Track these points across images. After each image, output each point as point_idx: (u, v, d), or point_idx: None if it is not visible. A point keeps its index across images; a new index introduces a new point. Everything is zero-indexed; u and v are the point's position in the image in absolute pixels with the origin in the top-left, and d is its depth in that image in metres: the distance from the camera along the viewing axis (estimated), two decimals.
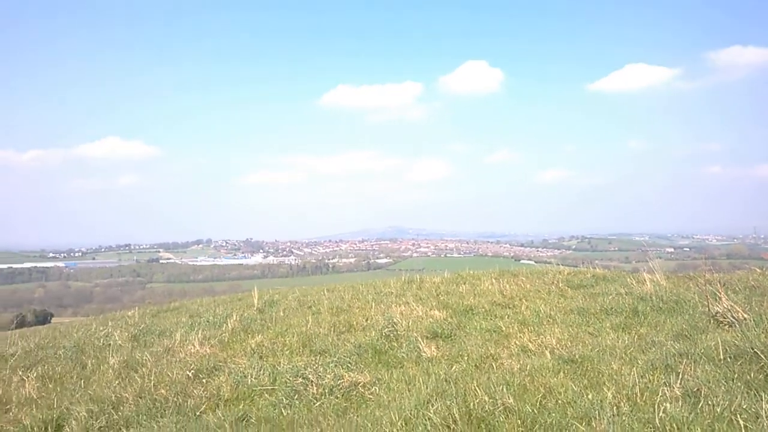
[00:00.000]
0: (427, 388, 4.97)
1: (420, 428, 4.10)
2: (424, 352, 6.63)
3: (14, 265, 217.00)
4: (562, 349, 5.98)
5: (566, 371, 5.02)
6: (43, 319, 74.09)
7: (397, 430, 4.14)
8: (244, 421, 5.16)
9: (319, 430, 4.63)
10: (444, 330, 7.45)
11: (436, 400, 4.52)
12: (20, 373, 6.79)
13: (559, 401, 4.25)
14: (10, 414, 5.53)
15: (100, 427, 4.89)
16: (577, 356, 5.43)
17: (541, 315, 7.68)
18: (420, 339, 6.95)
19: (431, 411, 4.24)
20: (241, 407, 5.50)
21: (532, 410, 4.10)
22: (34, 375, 6.61)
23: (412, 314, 8.43)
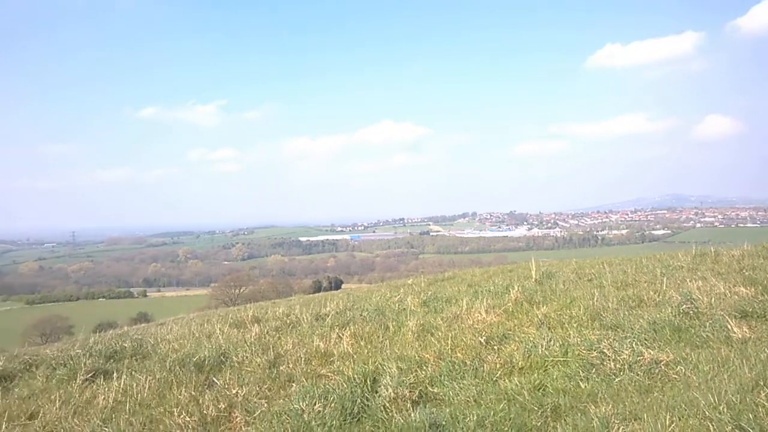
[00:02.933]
0: (751, 372, 4.44)
1: (747, 415, 3.70)
2: (734, 333, 5.92)
3: (311, 238, 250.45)
4: None
5: None
6: (336, 285, 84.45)
7: (719, 413, 3.78)
8: (541, 390, 5.22)
9: (622, 406, 4.47)
10: (755, 309, 6.56)
11: (764, 386, 4.02)
12: (336, 330, 7.83)
13: None
14: (334, 365, 6.41)
15: (410, 383, 5.39)
16: None
17: None
18: (727, 318, 6.23)
19: (763, 397, 3.78)
20: (535, 376, 5.56)
21: None
22: (348, 333, 7.56)
23: (713, 290, 7.59)
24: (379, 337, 7.52)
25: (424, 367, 5.92)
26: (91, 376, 6.63)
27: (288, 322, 9.11)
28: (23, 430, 5.17)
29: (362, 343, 7.24)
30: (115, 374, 6.48)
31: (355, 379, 5.56)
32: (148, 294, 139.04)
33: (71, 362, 7.15)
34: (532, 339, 6.51)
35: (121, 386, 5.99)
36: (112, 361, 7.49)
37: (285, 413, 4.98)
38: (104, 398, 5.77)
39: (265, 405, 5.31)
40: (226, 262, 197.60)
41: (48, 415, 5.51)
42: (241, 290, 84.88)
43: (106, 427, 4.88)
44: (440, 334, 7.16)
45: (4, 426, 5.32)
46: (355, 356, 6.67)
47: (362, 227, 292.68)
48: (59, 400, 5.89)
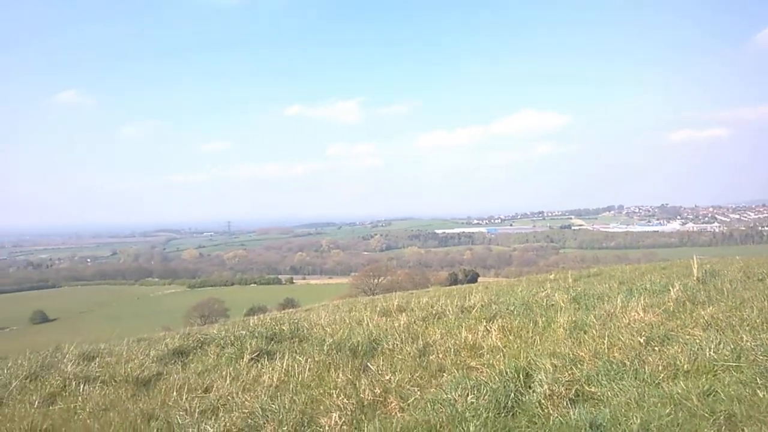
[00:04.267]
0: None
1: None
2: None
3: (447, 231, 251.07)
4: None
5: None
6: (472, 278, 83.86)
7: None
8: (711, 396, 4.84)
9: None
10: None
11: None
12: (484, 323, 7.80)
13: None
14: (483, 358, 6.40)
15: (566, 381, 5.24)
16: None
17: None
18: None
19: None
20: (703, 380, 5.17)
21: None
22: (495, 326, 7.50)
23: None
24: (528, 332, 7.37)
25: (579, 366, 5.72)
26: (256, 356, 7.17)
27: (433, 312, 9.22)
28: (200, 402, 5.69)
29: (511, 338, 7.15)
30: (277, 355, 6.96)
31: (507, 373, 5.51)
32: (294, 281, 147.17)
33: (238, 342, 7.78)
34: (697, 341, 6.05)
35: (284, 367, 6.41)
36: (272, 342, 8.02)
37: (438, 402, 5.06)
38: (269, 377, 6.21)
39: (418, 393, 5.43)
40: (365, 253, 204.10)
41: (221, 390, 6.04)
42: (380, 280, 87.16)
43: (273, 404, 5.25)
44: (594, 332, 6.87)
45: (185, 396, 5.91)
46: (504, 350, 6.61)
47: (499, 220, 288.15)
48: (229, 377, 6.43)
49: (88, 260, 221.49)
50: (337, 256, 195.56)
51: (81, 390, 6.39)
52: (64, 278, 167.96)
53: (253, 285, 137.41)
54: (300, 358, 6.66)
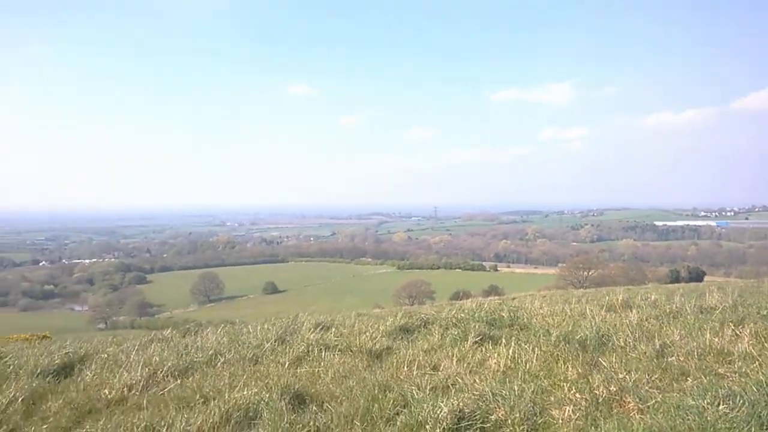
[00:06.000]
0: None
1: None
2: None
3: (668, 223, 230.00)
4: None
5: None
6: (696, 276, 75.74)
7: None
8: None
9: None
10: None
11: None
12: (731, 326, 6.98)
13: None
14: (735, 365, 5.73)
15: None
16: None
17: None
18: None
19: None
20: None
21: None
22: (747, 331, 6.68)
23: None
24: None
25: None
26: (479, 340, 7.26)
27: (667, 311, 8.50)
28: (430, 379, 5.92)
29: (766, 345, 6.32)
30: (503, 341, 6.97)
31: (766, 385, 4.88)
32: (498, 269, 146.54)
33: (462, 324, 7.95)
34: None
35: (510, 353, 6.40)
36: (492, 327, 8.06)
37: (683, 408, 4.65)
38: (495, 362, 6.25)
39: (658, 395, 5.05)
40: (574, 243, 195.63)
41: (448, 369, 6.22)
42: (590, 273, 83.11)
43: (503, 389, 5.27)
44: None
45: (415, 372, 6.20)
46: (760, 359, 5.86)
47: (731, 213, 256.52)
48: (455, 357, 6.60)
49: (311, 238, 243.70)
50: (543, 245, 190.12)
51: (322, 356, 7.04)
52: (291, 254, 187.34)
53: (457, 270, 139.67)
54: (526, 346, 6.60)
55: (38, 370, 6.96)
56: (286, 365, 6.80)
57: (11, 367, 7.22)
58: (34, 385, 6.40)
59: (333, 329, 8.61)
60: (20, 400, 5.92)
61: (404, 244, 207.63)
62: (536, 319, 8.65)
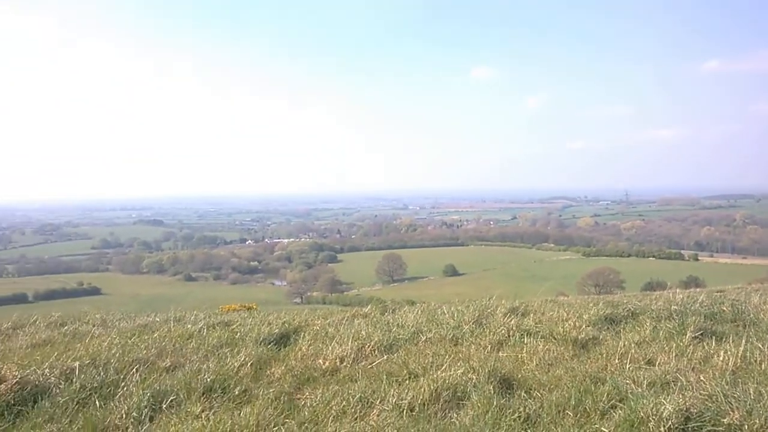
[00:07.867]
0: None
1: None
2: None
3: None
4: None
5: None
6: None
7: None
8: None
9: None
10: None
11: None
12: None
13: None
14: None
15: None
16: None
17: None
18: None
19: None
20: None
21: None
22: None
23: None
24: None
25: None
26: (700, 335, 6.62)
27: None
28: (646, 373, 5.51)
29: None
30: (731, 337, 6.29)
31: None
32: (699, 258, 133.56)
33: (678, 317, 7.32)
34: None
35: (740, 352, 5.74)
36: (713, 322, 7.31)
37: None
38: (722, 360, 5.65)
39: None
40: None
41: (666, 365, 5.73)
42: None
43: (735, 390, 4.73)
44: None
45: (627, 365, 5.82)
46: None
47: None
48: (673, 353, 6.08)
49: (491, 222, 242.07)
50: (753, 233, 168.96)
51: (524, 342, 6.90)
52: (470, 238, 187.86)
53: (651, 258, 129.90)
54: (759, 345, 5.87)
55: (261, 338, 7.68)
56: (488, 348, 6.78)
57: (238, 334, 8.05)
58: (258, 351, 7.06)
59: (531, 315, 8.41)
60: (249, 364, 6.55)
61: (590, 230, 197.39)
62: (765, 314, 7.68)
